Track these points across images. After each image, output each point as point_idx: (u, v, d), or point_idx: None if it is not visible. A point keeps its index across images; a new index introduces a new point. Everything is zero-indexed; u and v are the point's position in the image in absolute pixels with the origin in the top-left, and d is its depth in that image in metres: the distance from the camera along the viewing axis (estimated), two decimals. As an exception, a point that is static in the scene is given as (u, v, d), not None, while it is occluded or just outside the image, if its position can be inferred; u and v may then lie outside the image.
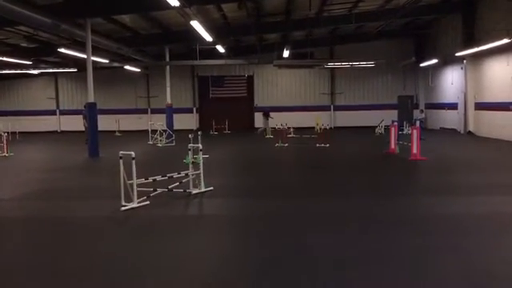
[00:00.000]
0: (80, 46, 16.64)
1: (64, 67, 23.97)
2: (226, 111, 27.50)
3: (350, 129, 25.83)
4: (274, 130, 21.10)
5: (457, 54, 20.12)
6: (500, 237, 5.52)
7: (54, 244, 5.62)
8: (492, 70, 19.24)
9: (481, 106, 20.26)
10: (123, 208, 7.08)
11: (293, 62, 23.23)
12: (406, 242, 5.35)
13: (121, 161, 7.12)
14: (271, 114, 23.13)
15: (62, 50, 17.32)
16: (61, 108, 29.65)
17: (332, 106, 28.20)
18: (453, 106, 22.93)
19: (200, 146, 8.68)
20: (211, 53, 23.21)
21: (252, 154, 15.65)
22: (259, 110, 28.48)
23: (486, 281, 4.21)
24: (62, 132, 28.90)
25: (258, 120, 28.23)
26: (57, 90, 29.64)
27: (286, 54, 21.69)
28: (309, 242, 5.40)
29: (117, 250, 5.36)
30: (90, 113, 15.04)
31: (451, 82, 23.24)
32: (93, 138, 15.00)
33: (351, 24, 20.71)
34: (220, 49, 21.23)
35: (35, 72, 25.84)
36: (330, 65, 24.03)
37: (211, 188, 8.57)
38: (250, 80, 28.68)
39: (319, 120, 23.91)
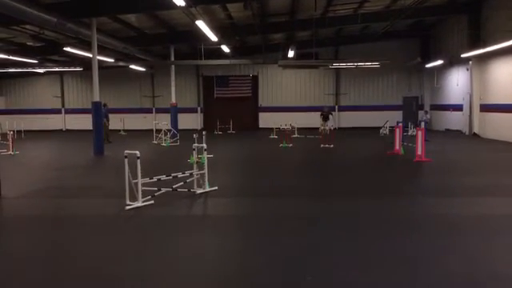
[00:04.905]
0: (86, 45, 16.73)
1: (70, 66, 24.09)
2: (231, 111, 27.54)
3: (355, 129, 25.73)
4: (279, 131, 21.09)
5: (462, 55, 20.02)
6: (503, 238, 5.50)
7: (58, 243, 5.66)
8: (498, 71, 19.15)
9: (486, 108, 20.16)
10: (128, 207, 7.10)
11: (298, 62, 23.18)
12: (407, 242, 5.35)
13: (126, 160, 7.16)
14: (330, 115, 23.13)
15: (68, 49, 17.43)
16: (66, 107, 29.83)
17: (337, 107, 28.17)
18: (458, 108, 22.84)
19: (204, 145, 8.70)
20: (216, 53, 23.27)
21: (256, 155, 15.65)
22: (263, 109, 28.58)
23: (487, 281, 4.20)
24: (68, 131, 29.05)
25: (263, 120, 28.33)
26: (62, 89, 29.81)
27: (290, 54, 21.68)
28: (315, 241, 5.40)
29: (121, 248, 5.37)
30: (96, 112, 15.11)
31: (457, 83, 23.14)
32: (98, 136, 15.08)
33: (357, 24, 20.70)
34: (225, 49, 21.27)
35: (41, 71, 25.96)
36: (335, 65, 23.97)
37: (215, 188, 8.59)
38: (254, 80, 28.66)
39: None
